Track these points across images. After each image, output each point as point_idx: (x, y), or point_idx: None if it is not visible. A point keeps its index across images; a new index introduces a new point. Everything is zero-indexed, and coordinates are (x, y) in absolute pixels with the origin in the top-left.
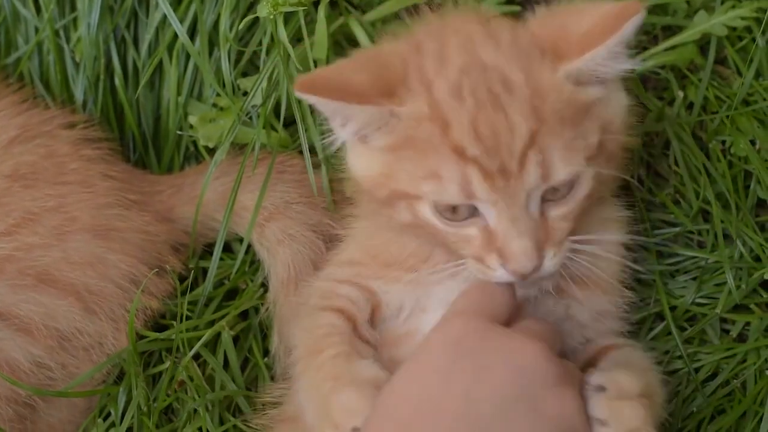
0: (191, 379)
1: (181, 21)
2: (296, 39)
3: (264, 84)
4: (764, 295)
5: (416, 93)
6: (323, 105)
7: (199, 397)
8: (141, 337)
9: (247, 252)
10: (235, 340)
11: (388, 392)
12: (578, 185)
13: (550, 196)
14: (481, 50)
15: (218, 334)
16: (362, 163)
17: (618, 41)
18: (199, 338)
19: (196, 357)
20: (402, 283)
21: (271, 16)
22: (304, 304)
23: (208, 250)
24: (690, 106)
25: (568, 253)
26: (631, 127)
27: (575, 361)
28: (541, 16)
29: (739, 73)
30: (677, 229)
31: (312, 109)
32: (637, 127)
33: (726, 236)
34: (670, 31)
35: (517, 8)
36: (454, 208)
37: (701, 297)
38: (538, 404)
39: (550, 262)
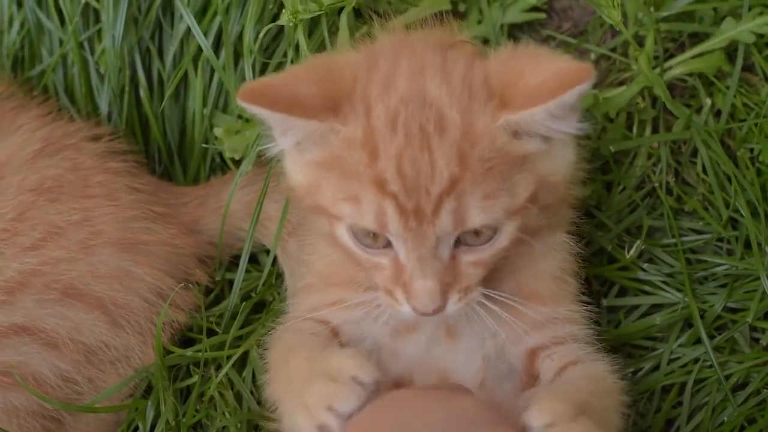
0: (221, 395)
1: (206, 33)
2: (322, 47)
3: None
4: None
5: (357, 114)
6: (267, 116)
7: (229, 414)
8: (168, 351)
9: (273, 263)
10: None
11: None
12: (497, 237)
13: (470, 241)
14: (428, 82)
15: (247, 352)
16: (295, 172)
17: (558, 105)
18: (226, 352)
19: None
20: (351, 311)
21: (291, 23)
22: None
23: (234, 262)
24: (718, 114)
25: (478, 300)
26: (576, 181)
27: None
28: (504, 55)
29: (767, 80)
30: (706, 237)
31: None
32: (585, 177)
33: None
34: (697, 38)
35: (543, 15)
36: (372, 235)
37: (732, 303)
38: None
39: (454, 306)
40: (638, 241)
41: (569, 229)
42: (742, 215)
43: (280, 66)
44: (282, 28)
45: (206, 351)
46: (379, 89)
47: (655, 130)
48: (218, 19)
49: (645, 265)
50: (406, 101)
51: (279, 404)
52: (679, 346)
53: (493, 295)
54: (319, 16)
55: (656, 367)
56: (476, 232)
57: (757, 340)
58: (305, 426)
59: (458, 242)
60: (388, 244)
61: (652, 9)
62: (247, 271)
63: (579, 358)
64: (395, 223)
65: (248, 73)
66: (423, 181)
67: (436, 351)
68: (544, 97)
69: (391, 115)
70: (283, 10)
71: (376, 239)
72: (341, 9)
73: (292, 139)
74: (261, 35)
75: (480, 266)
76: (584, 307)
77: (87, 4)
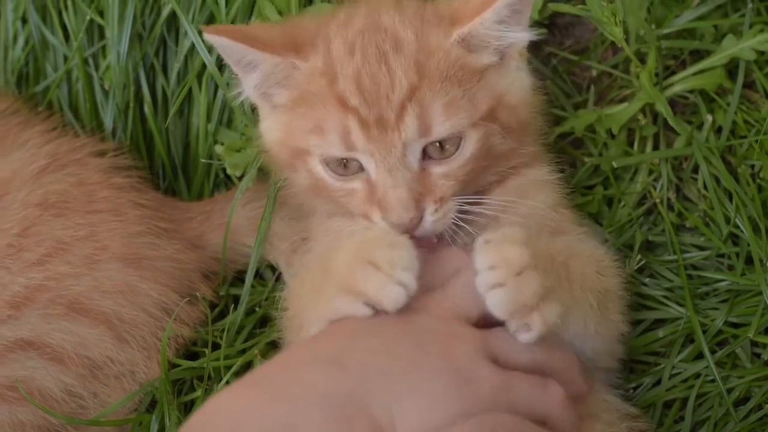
0: None
1: (209, 49)
2: None
3: None
4: None
5: (317, 50)
6: (229, 48)
7: None
8: (173, 365)
9: (278, 279)
10: None
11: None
12: (463, 146)
13: (436, 155)
14: (383, 16)
15: (250, 362)
16: (269, 128)
17: (504, 4)
18: (230, 366)
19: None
20: None
21: None
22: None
23: (238, 277)
24: (719, 130)
25: (457, 214)
26: (534, 107)
27: None
28: None
29: None
30: (707, 252)
31: None
32: (542, 107)
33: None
34: (698, 55)
35: (544, 31)
36: (344, 164)
37: (733, 317)
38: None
39: (431, 217)
40: (636, 255)
41: (550, 165)
42: (742, 231)
43: None
44: None
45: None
46: (338, 27)
47: (656, 147)
48: None
49: (647, 280)
50: (364, 31)
51: (299, 316)
52: (680, 361)
53: (474, 201)
54: None
55: (658, 382)
56: (441, 146)
57: (758, 356)
58: (377, 282)
59: (426, 157)
60: (360, 169)
61: (653, 26)
62: (252, 286)
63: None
64: (359, 138)
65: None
66: (383, 91)
67: None
68: (488, 2)
69: (350, 44)
70: None
71: (347, 166)
72: None
73: (255, 79)
74: None
75: (451, 178)
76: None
77: (92, 21)
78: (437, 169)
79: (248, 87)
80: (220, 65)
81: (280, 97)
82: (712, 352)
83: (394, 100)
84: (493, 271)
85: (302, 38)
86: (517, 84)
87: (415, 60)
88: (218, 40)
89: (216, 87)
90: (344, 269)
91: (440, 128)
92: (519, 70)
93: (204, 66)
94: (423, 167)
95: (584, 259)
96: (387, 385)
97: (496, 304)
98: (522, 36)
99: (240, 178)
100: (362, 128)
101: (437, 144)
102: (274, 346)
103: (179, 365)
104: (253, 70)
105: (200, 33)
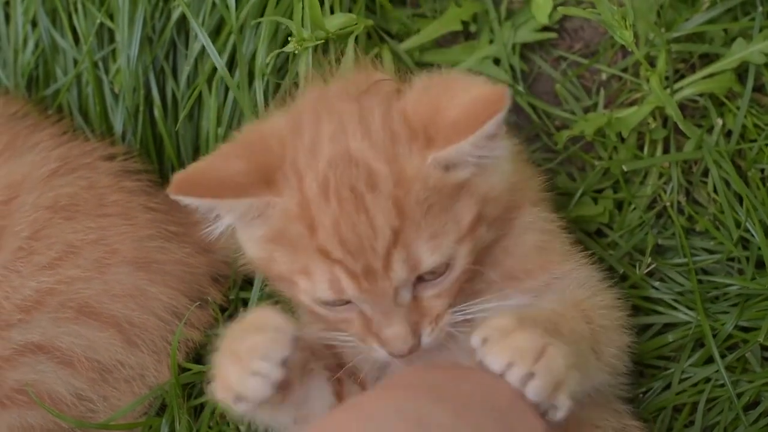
0: None
1: (220, 52)
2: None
3: None
4: None
5: (290, 185)
6: (199, 205)
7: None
8: (183, 369)
9: None
10: None
11: None
12: (452, 266)
13: (427, 278)
14: (350, 140)
15: None
16: (249, 247)
17: (480, 137)
18: None
19: None
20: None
21: (296, 52)
22: None
23: (248, 281)
24: (729, 134)
25: (453, 324)
26: (514, 186)
27: None
28: (419, 89)
29: None
30: (717, 256)
31: None
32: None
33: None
34: (708, 59)
35: (554, 35)
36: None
37: (744, 322)
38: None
39: (429, 338)
40: (647, 259)
41: (535, 202)
42: (753, 235)
43: (295, 86)
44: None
45: None
46: (306, 156)
47: (666, 150)
48: (232, 38)
49: (657, 284)
50: (334, 164)
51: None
52: (690, 365)
53: (469, 309)
54: (327, 41)
55: (668, 386)
56: (432, 271)
57: None
58: (235, 374)
59: (417, 282)
60: (355, 306)
61: (663, 30)
62: (261, 289)
63: None
64: (350, 287)
65: (259, 95)
66: (366, 242)
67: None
68: (464, 131)
69: (322, 182)
70: (290, 38)
71: (339, 306)
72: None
73: (229, 220)
74: (272, 58)
75: (443, 296)
76: (578, 258)
77: (102, 24)
78: (429, 292)
79: (222, 226)
80: (230, 68)
81: (259, 229)
82: (722, 356)
83: (378, 249)
84: (515, 367)
85: (271, 167)
86: (497, 178)
87: (393, 199)
88: (187, 201)
89: (226, 90)
90: (219, 358)
91: (428, 262)
92: (497, 164)
93: (214, 69)
94: (415, 295)
95: (571, 313)
96: None
97: (538, 393)
98: (500, 152)
99: None
100: (351, 278)
101: (427, 274)
102: None
103: (189, 369)
104: (227, 215)
105: (210, 36)
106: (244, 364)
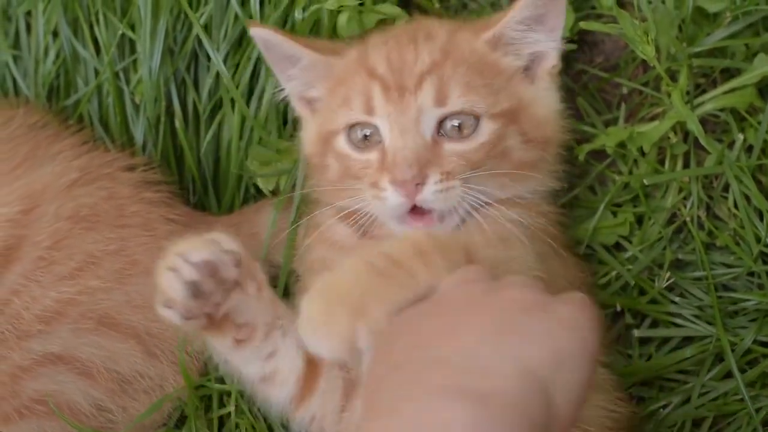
0: (254, 428)
1: (243, 65)
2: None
3: None
4: None
5: (354, 49)
6: (273, 42)
7: None
8: (201, 384)
9: None
10: None
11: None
12: (479, 131)
13: (452, 134)
14: (423, 22)
15: None
16: (306, 130)
17: (526, 3)
18: None
19: None
20: None
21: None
22: None
23: None
24: (749, 149)
25: (461, 196)
26: (561, 128)
27: None
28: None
29: None
30: (737, 271)
31: None
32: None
33: None
34: (729, 73)
35: (573, 46)
36: (364, 136)
37: (762, 336)
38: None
39: (434, 187)
40: (666, 273)
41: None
42: None
43: None
44: None
45: None
46: (374, 38)
47: (686, 165)
48: (256, 51)
49: (676, 299)
50: (401, 30)
51: None
52: (710, 379)
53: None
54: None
55: (687, 401)
56: (459, 128)
57: None
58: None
59: (442, 134)
60: (377, 143)
61: (684, 44)
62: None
63: None
64: (380, 101)
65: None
66: (408, 64)
67: None
68: (513, 6)
69: (385, 38)
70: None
71: (367, 139)
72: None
73: (296, 72)
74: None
75: (462, 158)
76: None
77: (123, 35)
78: (450, 146)
79: (286, 81)
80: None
81: (318, 90)
82: (742, 371)
83: (415, 71)
84: None
85: (338, 47)
86: (544, 101)
87: (442, 46)
88: (263, 34)
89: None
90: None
91: (455, 102)
92: (548, 90)
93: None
94: (436, 140)
95: None
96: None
97: None
98: (548, 45)
99: (273, 192)
100: (384, 92)
101: (455, 124)
102: None
103: (206, 385)
104: (293, 65)
105: (231, 48)
106: (167, 261)
